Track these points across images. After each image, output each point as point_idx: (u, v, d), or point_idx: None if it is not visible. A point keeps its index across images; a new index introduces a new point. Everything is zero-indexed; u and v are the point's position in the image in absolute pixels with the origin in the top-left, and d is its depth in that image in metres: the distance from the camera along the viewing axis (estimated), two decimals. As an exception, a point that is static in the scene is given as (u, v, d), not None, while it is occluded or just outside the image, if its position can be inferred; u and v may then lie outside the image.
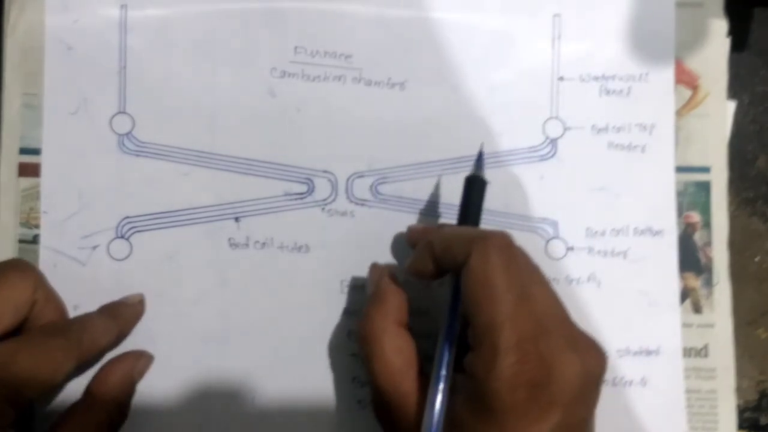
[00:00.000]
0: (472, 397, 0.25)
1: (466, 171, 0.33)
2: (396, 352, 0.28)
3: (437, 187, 0.34)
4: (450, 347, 0.27)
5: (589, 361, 0.26)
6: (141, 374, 0.33)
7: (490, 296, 0.25)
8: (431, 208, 0.34)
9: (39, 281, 0.30)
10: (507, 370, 0.24)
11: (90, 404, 0.31)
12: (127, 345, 0.33)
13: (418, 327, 0.30)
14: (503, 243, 0.26)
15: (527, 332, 0.25)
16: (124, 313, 0.32)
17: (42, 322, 0.30)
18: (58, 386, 0.32)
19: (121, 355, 0.32)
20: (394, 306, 0.29)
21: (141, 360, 0.32)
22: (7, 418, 0.27)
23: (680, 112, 0.36)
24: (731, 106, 0.36)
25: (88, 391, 0.31)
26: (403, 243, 0.34)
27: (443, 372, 0.27)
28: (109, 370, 0.32)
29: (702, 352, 0.35)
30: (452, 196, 0.34)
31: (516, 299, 0.25)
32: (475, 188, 0.30)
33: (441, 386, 0.27)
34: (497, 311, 0.25)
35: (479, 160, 0.31)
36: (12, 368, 0.27)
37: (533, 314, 0.25)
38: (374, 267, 0.32)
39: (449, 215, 0.34)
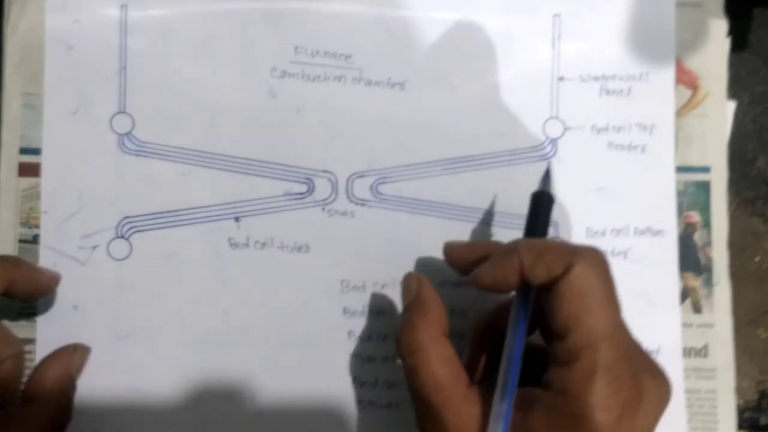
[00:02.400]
0: (557, 414, 0.24)
1: (467, 171, 0.33)
2: (443, 363, 0.27)
3: (438, 188, 0.34)
4: (518, 361, 0.26)
5: (665, 388, 0.26)
6: (79, 369, 0.31)
7: (592, 311, 0.25)
8: (431, 208, 0.34)
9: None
10: (605, 387, 0.24)
11: (28, 409, 0.29)
12: (128, 345, 0.33)
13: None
14: (603, 259, 0.26)
15: (622, 350, 0.25)
16: (22, 266, 0.30)
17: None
18: None
19: (55, 353, 0.31)
20: (436, 315, 0.28)
21: (76, 354, 0.31)
22: None
23: (680, 112, 0.36)
24: (731, 106, 0.36)
25: (24, 396, 0.29)
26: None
27: (512, 385, 0.26)
28: (43, 370, 0.30)
29: (702, 352, 0.35)
30: (452, 196, 0.34)
31: (613, 315, 0.25)
32: (543, 203, 0.30)
33: (508, 400, 0.26)
34: (598, 326, 0.24)
35: (546, 176, 0.31)
36: None
37: (624, 332, 0.25)
38: (410, 276, 0.31)
39: (450, 216, 0.34)
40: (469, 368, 0.30)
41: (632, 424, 0.24)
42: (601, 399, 0.24)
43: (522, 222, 0.35)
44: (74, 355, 0.31)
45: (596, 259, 0.26)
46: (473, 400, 0.27)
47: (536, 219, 0.30)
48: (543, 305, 0.26)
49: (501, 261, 0.27)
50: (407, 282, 0.31)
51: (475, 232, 0.34)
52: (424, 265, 0.34)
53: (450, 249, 0.31)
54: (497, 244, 0.29)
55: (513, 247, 0.27)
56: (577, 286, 0.25)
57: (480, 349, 0.30)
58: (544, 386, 0.25)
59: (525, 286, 0.27)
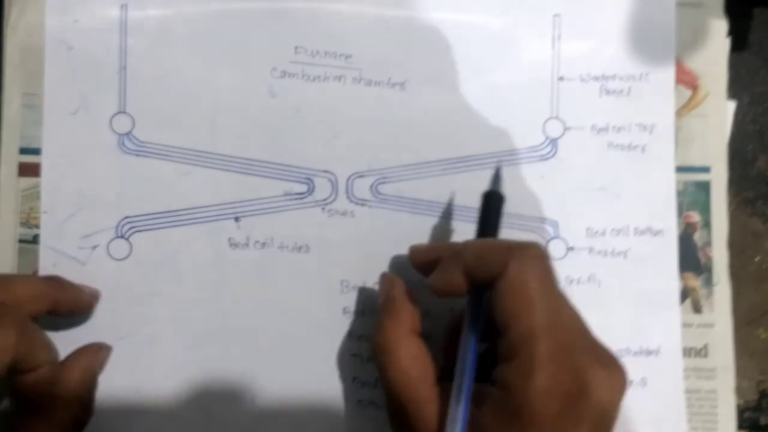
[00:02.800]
0: (502, 409, 0.25)
1: (467, 171, 0.33)
2: (412, 360, 0.28)
3: (438, 188, 0.34)
4: (473, 360, 0.27)
5: (617, 378, 0.26)
6: (101, 367, 0.32)
7: (528, 306, 0.25)
8: (431, 208, 0.34)
9: (20, 331, 0.28)
10: (544, 381, 0.24)
11: (52, 404, 0.29)
12: (128, 345, 0.33)
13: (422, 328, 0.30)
14: (540, 254, 0.26)
15: (563, 344, 0.25)
16: (66, 286, 0.31)
17: (28, 366, 0.28)
18: None
19: (80, 350, 0.32)
20: (407, 315, 0.29)
21: (100, 353, 0.32)
22: None
23: (680, 112, 0.36)
24: (731, 106, 0.36)
25: (48, 396, 0.30)
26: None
27: (466, 386, 0.26)
28: (69, 367, 0.30)
29: (702, 352, 0.35)
30: (452, 196, 0.34)
31: (552, 310, 0.25)
32: (493, 203, 0.30)
33: (463, 402, 0.26)
34: (535, 321, 0.25)
35: (497, 176, 0.31)
36: None
37: (567, 326, 0.25)
38: (385, 277, 0.32)
39: (450, 216, 0.34)
40: (446, 368, 0.30)
41: (577, 416, 0.24)
42: (541, 393, 0.24)
43: (521, 222, 0.35)
44: (99, 353, 0.32)
45: (533, 254, 0.26)
46: (440, 398, 0.27)
47: (487, 219, 0.30)
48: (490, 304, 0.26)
49: (448, 265, 0.27)
50: (381, 283, 0.31)
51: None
52: (424, 265, 0.34)
53: (412, 252, 0.32)
54: (454, 246, 0.30)
55: (457, 250, 0.27)
56: (512, 283, 0.25)
57: (450, 349, 0.30)
58: (492, 382, 0.26)
59: (477, 288, 0.27)
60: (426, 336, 0.30)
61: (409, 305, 0.29)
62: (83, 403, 0.31)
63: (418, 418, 0.27)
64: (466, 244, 0.28)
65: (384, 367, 0.28)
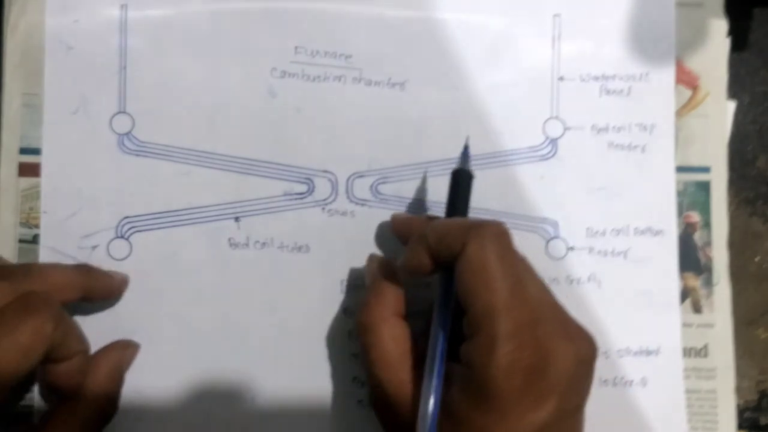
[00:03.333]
0: (468, 386, 0.25)
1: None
2: (393, 341, 0.28)
3: (438, 188, 0.34)
4: (443, 338, 0.27)
5: (582, 347, 0.26)
6: (129, 364, 0.32)
7: (487, 284, 0.25)
8: (432, 207, 0.34)
9: (57, 320, 0.27)
10: (505, 357, 0.24)
11: (80, 399, 0.30)
12: (127, 345, 0.33)
13: (420, 327, 0.30)
14: (499, 231, 0.26)
15: (524, 319, 0.25)
16: (96, 274, 0.32)
17: (62, 355, 0.29)
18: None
19: (108, 346, 0.32)
20: (391, 296, 0.29)
21: (128, 350, 0.32)
22: None
23: (680, 112, 0.36)
24: (731, 106, 0.36)
25: (78, 386, 0.30)
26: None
27: (437, 363, 0.27)
28: (97, 363, 0.31)
29: (702, 352, 0.35)
30: (452, 196, 0.34)
31: (512, 286, 0.25)
32: (461, 181, 0.30)
33: (435, 378, 0.26)
34: (494, 298, 0.25)
35: (465, 154, 0.31)
36: None
37: (528, 301, 0.26)
38: (371, 258, 0.32)
39: (449, 215, 0.34)
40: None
41: (543, 389, 0.25)
42: (502, 368, 0.24)
43: (521, 222, 0.35)
44: (126, 350, 0.32)
45: (492, 233, 0.26)
46: (419, 378, 0.27)
47: (456, 197, 0.30)
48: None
49: (414, 246, 0.28)
50: (368, 264, 0.32)
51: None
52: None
53: (393, 220, 0.33)
54: (425, 221, 0.30)
55: (422, 231, 0.28)
56: (472, 262, 0.26)
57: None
58: (459, 360, 0.26)
59: (447, 268, 0.27)
60: (425, 335, 0.30)
61: (394, 287, 0.30)
62: (110, 397, 0.31)
63: (397, 400, 0.27)
64: (430, 225, 0.28)
65: (366, 347, 0.29)
